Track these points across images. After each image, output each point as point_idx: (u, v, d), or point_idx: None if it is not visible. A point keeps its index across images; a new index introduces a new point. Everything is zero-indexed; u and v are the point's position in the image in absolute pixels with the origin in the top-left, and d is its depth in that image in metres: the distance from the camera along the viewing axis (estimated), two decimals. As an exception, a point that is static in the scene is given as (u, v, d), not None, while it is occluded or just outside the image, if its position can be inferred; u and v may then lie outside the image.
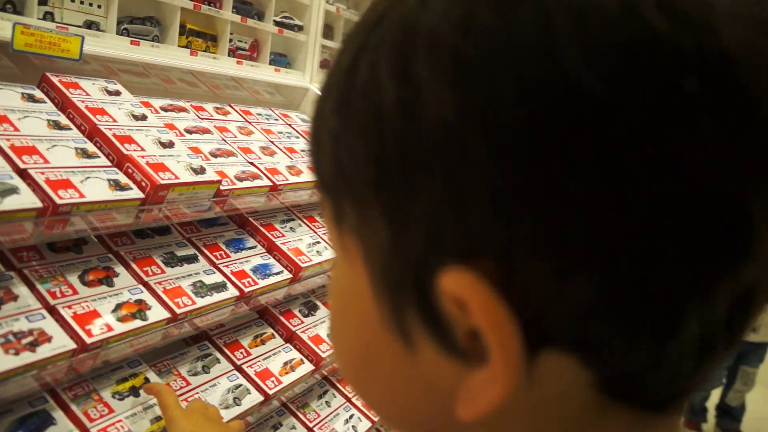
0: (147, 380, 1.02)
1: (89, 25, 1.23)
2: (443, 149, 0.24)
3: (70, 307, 0.91)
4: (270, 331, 1.33)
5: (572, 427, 0.28)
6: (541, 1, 0.23)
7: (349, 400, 1.48)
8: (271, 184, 1.31)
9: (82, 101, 1.10)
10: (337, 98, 0.29)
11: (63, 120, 1.06)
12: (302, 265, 1.32)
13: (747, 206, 0.23)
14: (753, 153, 0.22)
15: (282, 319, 1.36)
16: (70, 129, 1.05)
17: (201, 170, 1.13)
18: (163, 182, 1.03)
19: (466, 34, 0.24)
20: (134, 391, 0.99)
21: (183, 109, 1.36)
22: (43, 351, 0.83)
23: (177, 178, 1.07)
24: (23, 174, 0.89)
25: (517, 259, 0.24)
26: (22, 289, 0.89)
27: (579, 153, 0.22)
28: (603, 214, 0.22)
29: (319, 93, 0.32)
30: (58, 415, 0.89)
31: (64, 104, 1.09)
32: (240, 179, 1.24)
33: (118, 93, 1.20)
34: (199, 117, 1.37)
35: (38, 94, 1.08)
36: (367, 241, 0.29)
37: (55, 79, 1.11)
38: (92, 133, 1.07)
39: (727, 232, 0.23)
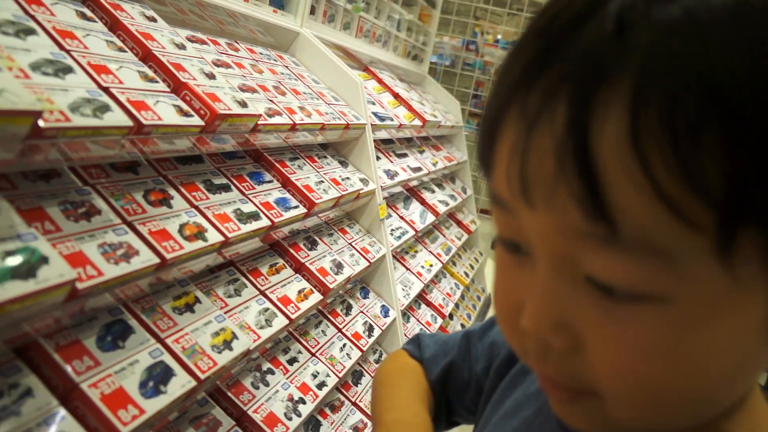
0: (198, 299, 1.08)
1: (126, -53, 1.22)
2: None
3: (144, 224, 0.96)
4: (281, 261, 1.41)
5: None
6: None
7: (340, 330, 1.58)
8: (291, 122, 1.37)
9: (132, 24, 1.11)
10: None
11: (117, 41, 1.07)
12: (316, 201, 1.39)
13: None
14: None
15: (291, 250, 1.43)
16: (126, 51, 1.06)
17: (243, 103, 1.18)
18: (222, 112, 1.08)
19: None
20: (189, 308, 1.05)
21: (204, 42, 1.38)
22: (136, 263, 0.88)
23: (230, 109, 1.11)
24: (106, 92, 0.92)
25: None
26: (101, 204, 0.92)
27: None
28: None
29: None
30: (135, 324, 0.94)
31: (113, 25, 1.10)
32: (269, 115, 1.29)
33: (154, 19, 1.21)
34: (218, 51, 1.40)
35: (88, 12, 1.08)
36: None
37: (102, -1, 1.11)
38: (146, 57, 1.09)
39: None
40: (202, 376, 0.94)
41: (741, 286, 0.31)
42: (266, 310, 1.22)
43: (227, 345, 1.02)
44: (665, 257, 0.30)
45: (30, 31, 0.87)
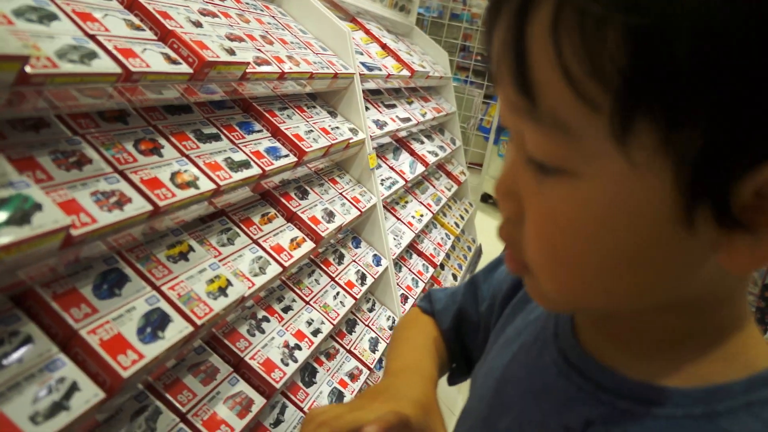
0: (191, 248, 1.08)
1: None
2: None
3: (135, 172, 0.96)
4: (273, 210, 1.42)
5: None
6: None
7: (333, 279, 1.60)
8: (280, 71, 1.36)
9: (115, -28, 1.09)
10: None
11: (101, -11, 1.05)
12: (306, 150, 1.40)
13: None
14: None
15: (282, 200, 1.44)
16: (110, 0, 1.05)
17: (231, 51, 1.17)
18: (210, 59, 1.07)
19: None
20: (183, 256, 1.06)
21: (189, -11, 1.36)
22: (129, 210, 0.88)
23: (218, 57, 1.10)
24: (93, 39, 0.91)
25: None
26: (92, 154, 0.92)
27: None
28: None
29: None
30: (130, 272, 0.95)
31: (96, -27, 1.08)
32: (257, 64, 1.28)
33: (136, -34, 1.19)
34: (204, 0, 1.38)
35: (69, -41, 1.06)
36: (680, 152, 0.33)
37: (83, -54, 1.09)
38: (132, 5, 1.07)
39: None
40: (199, 322, 0.95)
41: (637, 170, 0.34)
42: (259, 258, 1.24)
43: (222, 292, 1.04)
44: (571, 133, 0.35)
45: (12, -23, 0.86)
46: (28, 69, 0.72)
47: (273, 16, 1.68)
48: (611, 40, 0.31)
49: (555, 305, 0.47)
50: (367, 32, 2.57)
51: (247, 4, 1.59)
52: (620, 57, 0.31)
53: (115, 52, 0.91)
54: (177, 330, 0.92)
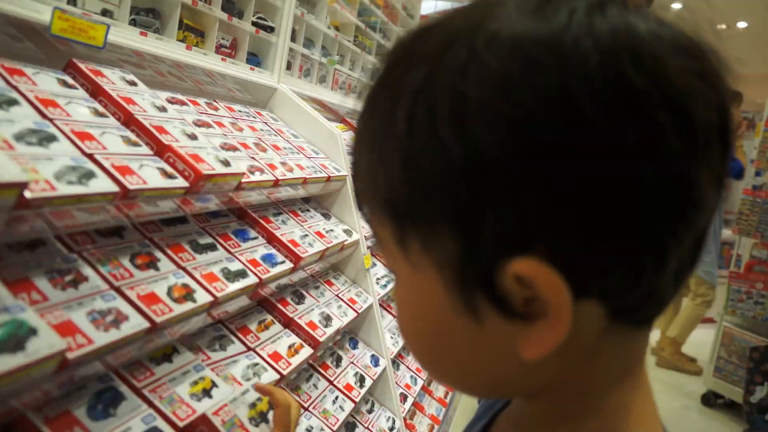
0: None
1: (104, 13, 1.25)
2: (504, 179, 0.35)
3: (132, 288, 0.95)
4: (270, 317, 1.40)
5: (592, 348, 0.41)
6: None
7: (331, 382, 1.57)
8: (274, 178, 1.37)
9: (113, 89, 1.12)
10: (398, 145, 0.39)
11: (99, 107, 1.08)
12: (302, 255, 1.39)
13: (697, 181, 0.36)
14: (698, 148, 0.36)
15: (279, 306, 1.42)
16: (108, 117, 1.07)
17: (226, 162, 1.19)
18: (206, 172, 1.08)
19: (509, 98, 0.35)
20: (167, 357, 1.03)
21: (184, 103, 1.39)
22: (125, 328, 0.87)
23: (213, 169, 1.12)
24: (91, 159, 0.92)
25: (560, 245, 0.36)
26: (88, 271, 0.92)
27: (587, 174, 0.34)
28: (612, 211, 0.35)
29: (366, 128, 0.44)
30: (125, 390, 0.92)
31: (95, 91, 1.11)
32: (251, 172, 1.30)
33: (134, 83, 1.22)
34: (198, 111, 1.41)
35: (69, 79, 1.09)
36: (436, 255, 0.40)
37: (82, 66, 1.12)
38: (129, 122, 1.09)
39: (690, 200, 0.37)
40: (196, 441, 0.92)
41: (416, 270, 0.42)
42: (255, 365, 1.21)
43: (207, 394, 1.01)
44: (383, 245, 0.45)
45: (12, 102, 0.88)
46: (27, 193, 0.72)
47: (265, 122, 1.72)
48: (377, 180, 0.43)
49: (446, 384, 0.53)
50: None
51: (240, 111, 1.63)
52: (388, 190, 0.41)
53: (112, 170, 0.92)
54: (174, 451, 0.89)
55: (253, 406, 1.03)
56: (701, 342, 4.88)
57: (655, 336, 5.00)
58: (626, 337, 0.43)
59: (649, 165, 0.35)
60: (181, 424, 0.93)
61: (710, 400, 4.30)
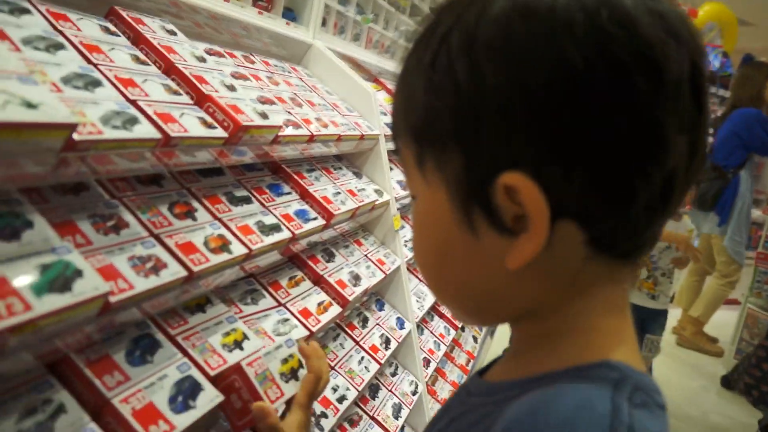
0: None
1: (146, -39, 1.23)
2: (500, 108, 0.44)
3: (171, 236, 0.95)
4: (300, 274, 1.40)
5: (573, 273, 0.48)
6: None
7: (357, 342, 1.58)
8: (309, 133, 1.36)
9: (154, 38, 1.11)
10: (424, 77, 0.48)
11: (140, 55, 1.07)
12: (334, 213, 1.39)
13: (664, 123, 0.43)
14: (667, 96, 0.43)
15: (309, 263, 1.43)
16: (149, 65, 1.06)
17: (264, 115, 1.18)
18: (245, 124, 1.07)
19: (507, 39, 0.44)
20: (201, 308, 1.04)
21: (222, 54, 1.38)
22: (164, 276, 0.87)
23: (252, 121, 1.11)
24: (134, 105, 0.91)
25: (542, 166, 0.43)
26: (129, 217, 0.92)
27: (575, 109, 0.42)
28: (587, 141, 0.42)
29: (405, 68, 0.52)
30: (162, 338, 0.93)
31: (136, 39, 1.10)
32: (287, 126, 1.29)
33: (174, 33, 1.21)
34: (235, 63, 1.40)
35: (111, 26, 1.08)
36: (446, 172, 0.48)
37: (124, 14, 1.11)
38: (169, 70, 1.09)
39: (657, 139, 0.43)
40: (231, 390, 0.93)
41: (430, 188, 0.50)
42: (286, 320, 1.22)
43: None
44: (407, 170, 0.54)
45: (59, 46, 0.87)
46: (75, 135, 0.72)
47: (300, 78, 1.71)
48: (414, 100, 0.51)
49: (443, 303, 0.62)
50: (389, 92, 2.60)
51: (276, 66, 1.62)
52: (413, 115, 0.51)
53: (155, 117, 0.92)
54: (208, 398, 0.90)
55: (285, 361, 1.04)
56: (724, 323, 4.84)
57: (677, 314, 4.97)
58: (607, 270, 0.49)
59: (619, 105, 0.42)
60: (212, 373, 0.94)
61: (730, 382, 4.27)
